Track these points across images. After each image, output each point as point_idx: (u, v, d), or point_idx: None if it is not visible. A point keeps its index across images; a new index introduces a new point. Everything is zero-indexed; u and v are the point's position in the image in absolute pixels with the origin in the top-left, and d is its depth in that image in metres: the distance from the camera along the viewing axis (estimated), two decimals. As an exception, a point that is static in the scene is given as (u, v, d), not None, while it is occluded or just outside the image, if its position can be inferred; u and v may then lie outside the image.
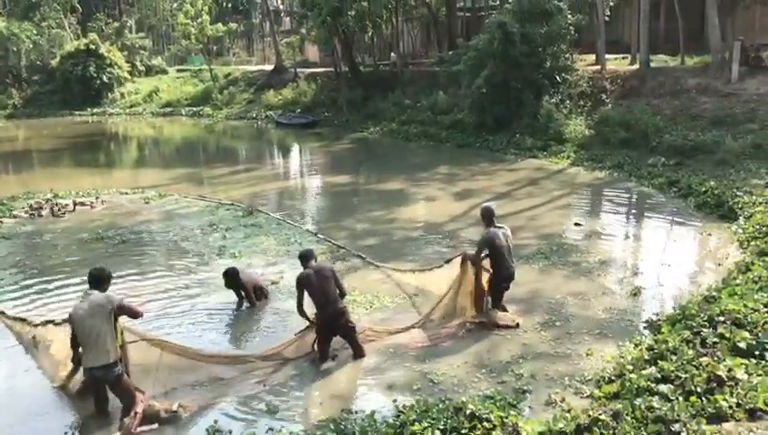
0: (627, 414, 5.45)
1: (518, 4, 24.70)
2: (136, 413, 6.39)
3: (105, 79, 46.97)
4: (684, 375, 6.05)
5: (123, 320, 6.60)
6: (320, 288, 7.62)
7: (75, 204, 16.30)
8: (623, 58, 29.38)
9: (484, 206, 8.90)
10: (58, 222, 15.03)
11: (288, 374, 7.55)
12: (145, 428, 6.41)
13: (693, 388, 5.82)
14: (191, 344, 7.59)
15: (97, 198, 16.87)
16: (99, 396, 6.58)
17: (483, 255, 8.54)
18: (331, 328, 7.73)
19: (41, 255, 12.54)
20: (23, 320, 7.83)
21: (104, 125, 41.63)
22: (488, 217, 8.65)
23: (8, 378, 7.70)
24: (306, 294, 7.70)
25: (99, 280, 6.51)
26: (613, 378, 6.75)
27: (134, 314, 6.57)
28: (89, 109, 45.97)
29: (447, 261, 9.08)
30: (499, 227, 8.64)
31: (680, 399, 5.70)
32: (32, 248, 13.07)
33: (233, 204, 16.05)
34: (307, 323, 7.83)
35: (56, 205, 16.18)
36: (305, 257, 7.96)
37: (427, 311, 8.81)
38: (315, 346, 7.80)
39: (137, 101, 47.44)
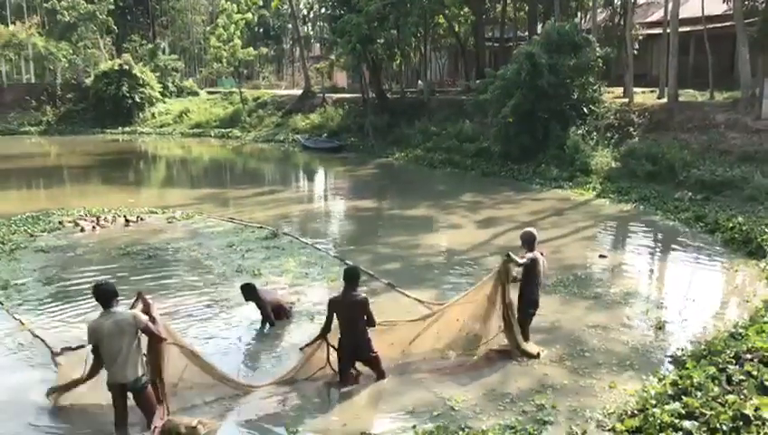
0: (649, 449, 5.38)
1: (547, 36, 24.86)
2: (155, 428, 6.44)
3: (137, 99, 47.81)
4: (709, 412, 5.96)
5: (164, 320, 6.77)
6: (346, 316, 7.57)
7: (127, 219, 16.96)
8: (651, 92, 29.27)
9: (526, 230, 8.79)
10: (90, 237, 15.29)
11: (308, 395, 7.54)
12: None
13: (718, 426, 5.73)
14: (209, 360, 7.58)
15: (140, 217, 17.29)
16: (119, 410, 6.56)
17: (518, 276, 8.46)
18: (354, 356, 7.73)
19: (76, 268, 12.76)
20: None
21: (134, 144, 42.33)
22: (530, 242, 8.56)
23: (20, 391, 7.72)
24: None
25: (111, 295, 6.44)
26: (636, 412, 6.66)
27: (156, 340, 6.58)
28: (120, 127, 46.74)
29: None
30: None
31: (705, 436, 5.61)
32: (66, 262, 13.28)
33: (261, 226, 16.13)
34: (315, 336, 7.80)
35: (104, 219, 16.96)
36: (351, 279, 7.70)
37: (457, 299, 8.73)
38: (333, 366, 7.77)
39: (167, 121, 48.16)
